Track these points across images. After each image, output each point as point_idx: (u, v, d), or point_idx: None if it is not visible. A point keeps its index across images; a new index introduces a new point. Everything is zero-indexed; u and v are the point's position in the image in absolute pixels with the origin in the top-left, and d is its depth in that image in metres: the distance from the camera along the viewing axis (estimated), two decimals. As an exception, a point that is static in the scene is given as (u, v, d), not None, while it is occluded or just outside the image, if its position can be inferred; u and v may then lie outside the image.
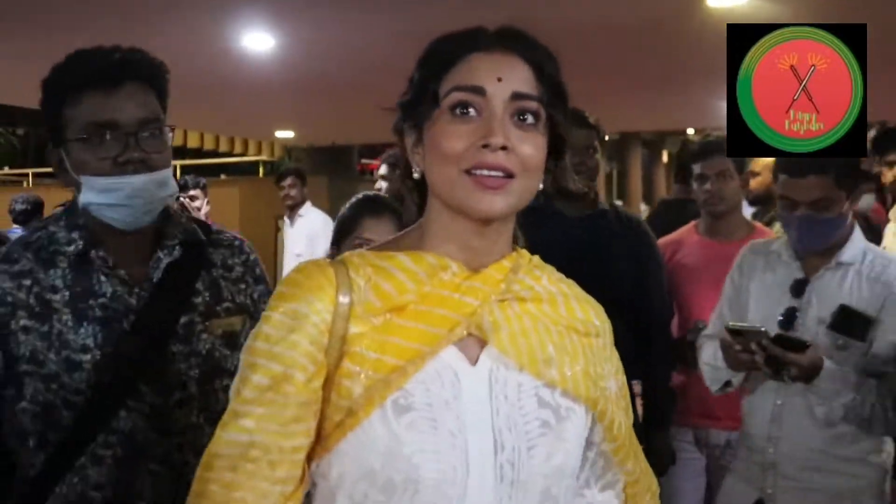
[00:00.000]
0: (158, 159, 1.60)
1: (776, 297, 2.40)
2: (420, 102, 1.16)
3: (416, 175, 1.18)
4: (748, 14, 5.99)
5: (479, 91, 1.11)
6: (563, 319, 1.19)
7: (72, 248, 1.60)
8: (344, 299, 1.11)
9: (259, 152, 12.89)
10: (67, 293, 1.58)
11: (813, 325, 2.32)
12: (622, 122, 12.22)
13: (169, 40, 5.73)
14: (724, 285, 2.60)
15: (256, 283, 1.74)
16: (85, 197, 1.59)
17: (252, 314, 1.66)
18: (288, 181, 6.56)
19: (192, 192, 5.72)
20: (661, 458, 2.95)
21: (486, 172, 1.09)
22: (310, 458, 1.11)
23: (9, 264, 1.60)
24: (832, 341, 2.28)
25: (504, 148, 1.09)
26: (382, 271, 1.13)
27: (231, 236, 1.80)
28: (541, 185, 1.18)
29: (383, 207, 2.20)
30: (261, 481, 1.07)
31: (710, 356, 2.47)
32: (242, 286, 1.71)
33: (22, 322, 1.56)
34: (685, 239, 3.28)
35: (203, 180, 6.12)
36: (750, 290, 2.47)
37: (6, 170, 15.16)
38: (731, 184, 3.12)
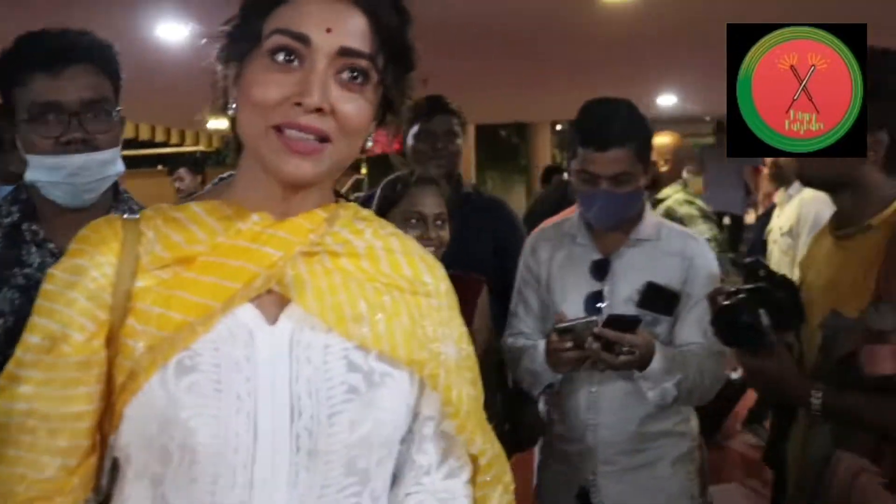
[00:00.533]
0: (102, 139, 1.63)
1: (577, 281, 2.34)
2: (241, 36, 1.04)
3: (230, 112, 1.07)
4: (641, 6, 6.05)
5: (303, 39, 0.99)
6: (383, 276, 1.09)
7: (8, 219, 1.66)
8: (129, 252, 1.02)
9: (196, 143, 12.76)
10: None
11: (621, 305, 2.28)
12: (568, 112, 12.28)
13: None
14: (518, 276, 2.50)
15: None
16: (31, 175, 1.63)
17: None
18: (179, 173, 6.87)
19: None
20: (531, 430, 2.98)
21: (295, 134, 0.99)
22: (107, 431, 1.03)
23: None
24: (642, 318, 2.26)
25: (320, 109, 0.99)
26: (174, 222, 1.05)
27: None
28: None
29: None
30: (41, 454, 0.98)
31: (529, 361, 2.34)
32: None
33: None
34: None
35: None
36: (550, 277, 2.40)
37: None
38: None
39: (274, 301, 1.04)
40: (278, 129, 0.99)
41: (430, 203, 2.35)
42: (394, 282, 1.10)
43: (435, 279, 1.15)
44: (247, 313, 1.02)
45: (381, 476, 1.09)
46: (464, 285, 2.53)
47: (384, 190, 2.38)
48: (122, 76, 1.72)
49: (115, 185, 1.74)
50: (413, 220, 2.29)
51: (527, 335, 2.43)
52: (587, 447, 2.32)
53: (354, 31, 1.01)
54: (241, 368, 1.00)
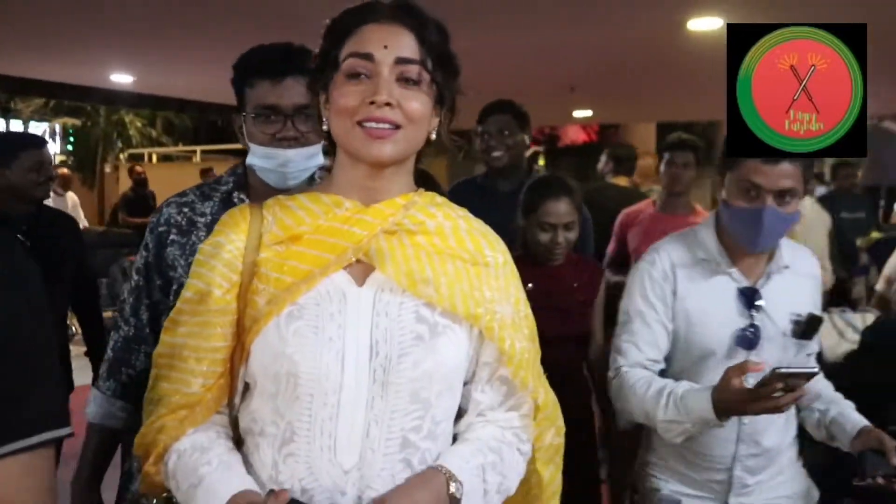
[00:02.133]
0: (310, 136, 1.89)
1: (721, 314, 2.11)
2: (325, 67, 1.32)
3: (325, 128, 1.35)
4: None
5: (369, 57, 1.27)
6: (449, 249, 1.33)
7: (224, 187, 1.99)
8: (254, 232, 1.32)
9: None
10: (210, 218, 1.93)
11: (777, 338, 2.11)
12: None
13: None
14: (639, 299, 2.18)
15: None
16: (250, 159, 1.94)
17: None
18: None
19: None
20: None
21: (373, 125, 1.25)
22: (236, 363, 1.32)
23: (179, 197, 2.00)
24: (797, 349, 2.13)
25: (388, 104, 1.25)
26: (286, 209, 1.34)
27: None
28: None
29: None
30: (187, 374, 1.31)
31: (671, 413, 2.01)
32: None
33: (172, 237, 1.94)
34: (644, 209, 4.15)
35: None
36: (691, 309, 2.13)
37: (180, 146, 18.39)
38: (689, 172, 3.92)
39: (361, 269, 1.30)
40: (360, 124, 1.26)
41: (561, 213, 2.76)
42: (457, 254, 1.33)
43: (494, 252, 1.38)
44: (341, 277, 1.29)
45: (441, 406, 1.32)
46: (589, 268, 2.92)
47: (526, 195, 2.84)
48: None
49: (312, 175, 1.98)
50: (545, 228, 2.76)
51: (643, 366, 2.15)
52: (733, 475, 2.15)
53: (405, 45, 1.28)
54: (334, 318, 1.27)
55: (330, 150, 1.39)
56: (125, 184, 13.86)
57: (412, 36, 1.29)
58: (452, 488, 1.27)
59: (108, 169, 17.19)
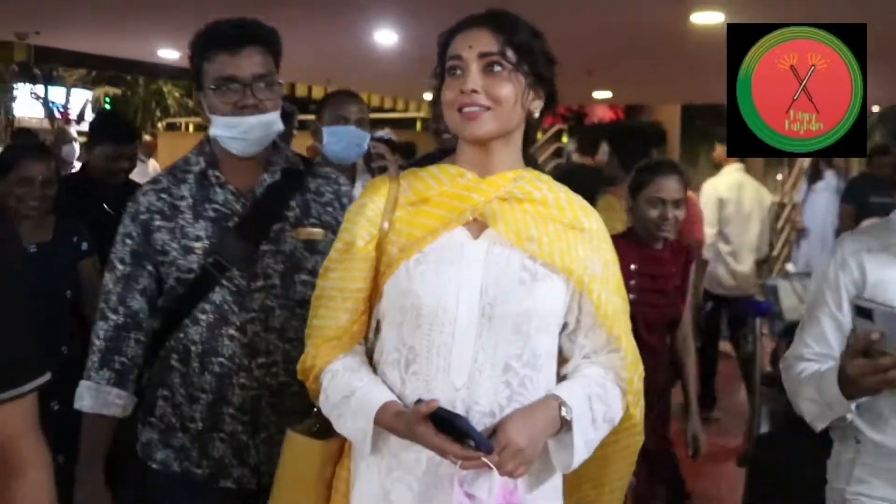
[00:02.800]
0: (269, 104, 1.97)
1: None
2: (440, 71, 1.58)
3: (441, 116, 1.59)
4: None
5: (458, 57, 1.52)
6: (551, 215, 1.55)
7: (197, 167, 2.03)
8: (391, 195, 1.58)
9: (418, 110, 14.58)
10: (191, 200, 2.00)
11: None
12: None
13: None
14: (818, 289, 2.09)
15: (342, 208, 2.06)
16: (213, 131, 2.00)
17: (334, 231, 1.92)
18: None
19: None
20: None
21: (466, 109, 1.50)
22: (373, 303, 1.58)
23: (154, 184, 2.06)
24: None
25: (474, 91, 1.49)
26: (418, 177, 1.59)
27: (329, 171, 2.18)
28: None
29: None
30: (336, 311, 1.58)
31: (811, 390, 1.99)
32: (329, 209, 2.07)
33: (156, 223, 2.00)
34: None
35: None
36: (882, 291, 1.97)
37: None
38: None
39: (477, 226, 1.55)
40: (459, 110, 1.50)
41: (671, 189, 2.81)
42: (558, 219, 1.56)
43: (589, 220, 1.59)
44: (460, 232, 1.54)
45: (540, 341, 1.54)
46: (684, 254, 2.96)
47: (636, 174, 2.93)
48: (281, 54, 2.05)
49: (274, 141, 2.05)
50: (655, 204, 2.81)
51: (806, 359, 2.07)
52: None
53: (487, 42, 1.51)
54: (453, 264, 1.52)
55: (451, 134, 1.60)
56: (163, 151, 14.09)
57: (492, 35, 1.51)
58: (563, 412, 1.50)
59: (146, 137, 17.44)
